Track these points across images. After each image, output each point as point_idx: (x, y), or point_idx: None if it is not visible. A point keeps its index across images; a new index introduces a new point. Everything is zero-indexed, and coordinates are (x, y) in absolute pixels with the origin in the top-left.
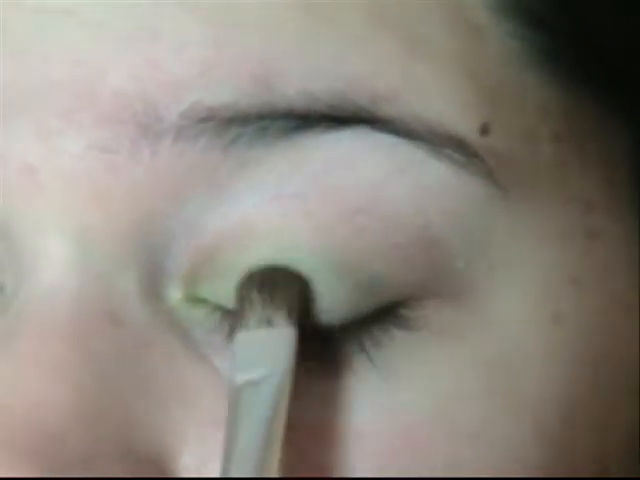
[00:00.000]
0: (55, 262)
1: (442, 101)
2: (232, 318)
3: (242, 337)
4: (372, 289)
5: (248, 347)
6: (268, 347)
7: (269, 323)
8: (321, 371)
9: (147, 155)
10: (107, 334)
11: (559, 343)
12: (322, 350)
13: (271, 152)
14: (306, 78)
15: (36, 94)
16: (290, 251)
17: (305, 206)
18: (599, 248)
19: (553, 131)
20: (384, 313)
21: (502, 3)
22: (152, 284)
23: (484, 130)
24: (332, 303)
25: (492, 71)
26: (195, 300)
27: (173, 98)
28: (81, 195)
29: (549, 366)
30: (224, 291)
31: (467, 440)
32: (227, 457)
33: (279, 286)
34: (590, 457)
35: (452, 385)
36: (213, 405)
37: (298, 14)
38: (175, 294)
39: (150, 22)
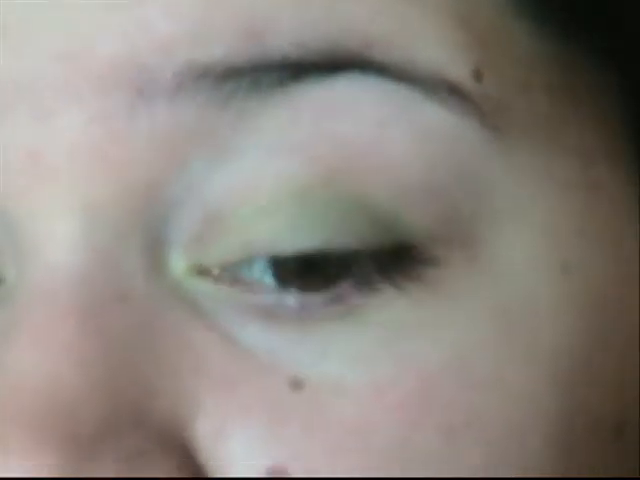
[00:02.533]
0: (60, 241)
1: (435, 46)
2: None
3: None
4: (387, 226)
5: None
6: None
7: None
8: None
9: (145, 119)
10: (113, 309)
11: (569, 293)
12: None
13: (268, 104)
14: (298, 29)
15: (28, 75)
16: (300, 199)
17: (309, 153)
18: (602, 200)
19: (545, 81)
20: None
21: None
22: (156, 255)
23: (477, 76)
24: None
25: (483, 18)
26: (200, 271)
27: (166, 58)
28: (86, 169)
29: (560, 316)
30: (231, 255)
31: (483, 390)
32: None
33: None
34: (606, 411)
35: (465, 335)
36: (225, 370)
37: None
38: (180, 265)
39: None
